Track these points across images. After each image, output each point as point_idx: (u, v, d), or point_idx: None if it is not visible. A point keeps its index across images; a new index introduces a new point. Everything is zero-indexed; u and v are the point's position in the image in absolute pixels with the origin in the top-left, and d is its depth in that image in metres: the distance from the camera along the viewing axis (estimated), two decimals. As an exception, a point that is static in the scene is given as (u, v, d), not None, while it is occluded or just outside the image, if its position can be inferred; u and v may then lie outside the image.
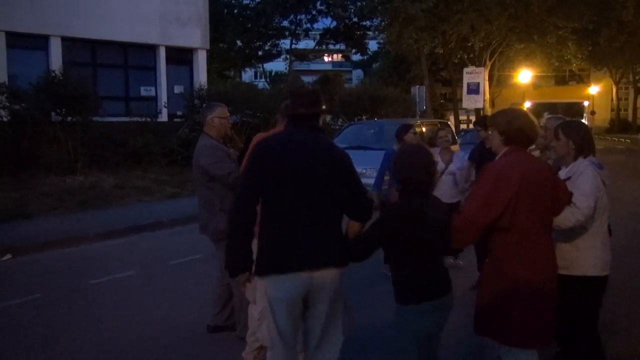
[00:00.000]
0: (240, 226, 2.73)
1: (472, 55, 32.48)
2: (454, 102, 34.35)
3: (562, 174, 3.16)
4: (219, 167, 4.05)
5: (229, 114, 4.33)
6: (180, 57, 17.58)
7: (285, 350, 2.78)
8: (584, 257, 3.14)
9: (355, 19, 36.17)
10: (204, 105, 5.01)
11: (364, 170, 10.61)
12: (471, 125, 30.94)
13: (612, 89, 49.99)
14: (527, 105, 47.46)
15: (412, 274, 2.71)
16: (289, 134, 2.85)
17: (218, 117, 4.17)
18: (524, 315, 2.75)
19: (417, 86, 21.87)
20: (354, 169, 2.87)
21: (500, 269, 2.82)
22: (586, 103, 54.54)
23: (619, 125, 49.47)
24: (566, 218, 2.93)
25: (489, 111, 32.22)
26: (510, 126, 2.82)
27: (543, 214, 2.79)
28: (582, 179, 3.05)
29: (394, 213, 2.78)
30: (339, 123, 19.41)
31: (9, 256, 7.19)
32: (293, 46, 38.87)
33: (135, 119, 14.39)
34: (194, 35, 17.59)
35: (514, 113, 2.93)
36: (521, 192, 2.67)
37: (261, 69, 44.26)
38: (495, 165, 2.85)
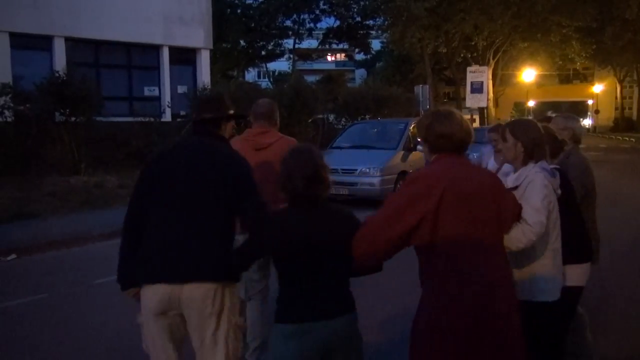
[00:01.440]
0: (126, 237, 2.66)
1: (475, 54, 32.46)
2: (458, 101, 34.28)
3: (509, 181, 2.75)
4: None
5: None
6: (184, 57, 17.62)
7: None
8: (529, 279, 2.70)
9: (358, 19, 36.19)
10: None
11: (367, 170, 10.62)
12: (475, 124, 30.94)
13: (616, 88, 49.86)
14: (530, 104, 47.39)
15: (287, 289, 2.40)
16: (183, 141, 2.82)
17: None
18: None
19: (420, 85, 21.86)
20: (249, 179, 2.65)
21: (421, 302, 2.40)
22: (590, 102, 54.44)
23: (623, 124, 49.33)
24: (517, 239, 2.50)
25: (492, 110, 32.19)
26: (429, 132, 2.47)
27: (484, 229, 2.36)
28: (531, 189, 2.62)
29: (271, 223, 2.45)
30: (342, 122, 19.42)
31: (13, 256, 7.21)
32: (296, 46, 38.92)
33: (138, 119, 14.42)
34: (197, 35, 17.63)
35: (436, 117, 2.51)
36: (443, 203, 2.28)
37: (264, 69, 44.35)
38: (416, 173, 2.56)
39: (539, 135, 2.75)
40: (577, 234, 3.05)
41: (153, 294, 2.51)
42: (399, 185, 11.00)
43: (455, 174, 2.37)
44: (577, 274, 3.06)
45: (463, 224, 2.31)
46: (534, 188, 2.60)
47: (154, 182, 2.62)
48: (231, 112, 2.85)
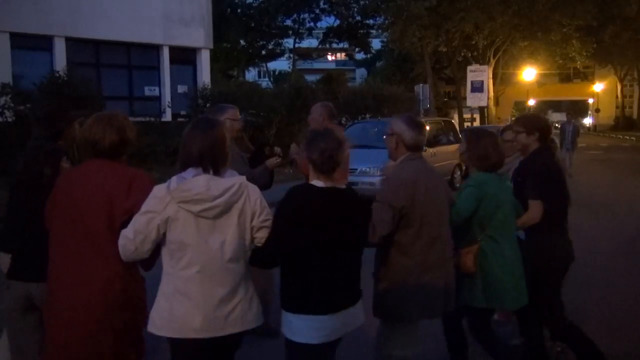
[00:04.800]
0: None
1: (475, 53, 32.44)
2: (458, 101, 34.28)
3: None
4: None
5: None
6: (184, 56, 17.63)
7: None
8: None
9: (358, 18, 36.20)
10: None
11: (367, 169, 10.60)
12: (475, 123, 30.92)
13: (616, 86, 49.82)
14: (531, 102, 47.37)
15: None
16: None
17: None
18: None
19: (421, 84, 21.84)
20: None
21: None
22: (591, 100, 54.41)
23: (623, 122, 49.29)
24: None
25: (493, 109, 32.19)
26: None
27: (86, 234, 2.45)
28: None
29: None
30: (343, 122, 19.41)
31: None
32: (296, 45, 38.91)
33: (139, 118, 14.41)
34: (198, 35, 17.64)
35: (92, 117, 2.62)
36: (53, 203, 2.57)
37: (265, 68, 44.37)
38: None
39: (184, 143, 2.56)
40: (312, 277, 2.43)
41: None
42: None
43: (75, 181, 2.54)
44: (299, 328, 2.37)
45: (63, 226, 2.49)
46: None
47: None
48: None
